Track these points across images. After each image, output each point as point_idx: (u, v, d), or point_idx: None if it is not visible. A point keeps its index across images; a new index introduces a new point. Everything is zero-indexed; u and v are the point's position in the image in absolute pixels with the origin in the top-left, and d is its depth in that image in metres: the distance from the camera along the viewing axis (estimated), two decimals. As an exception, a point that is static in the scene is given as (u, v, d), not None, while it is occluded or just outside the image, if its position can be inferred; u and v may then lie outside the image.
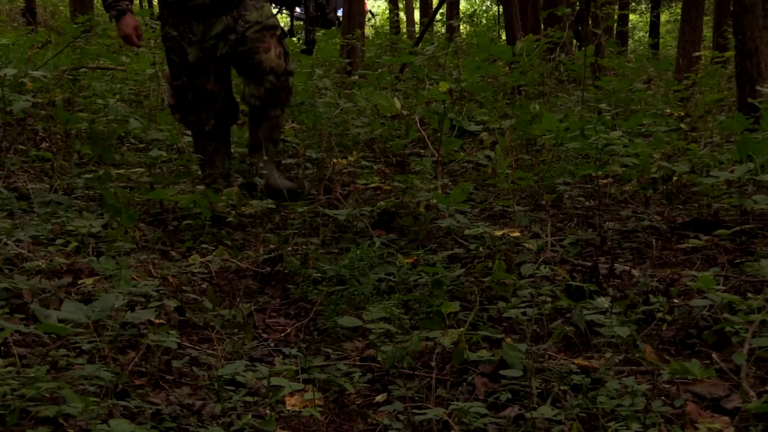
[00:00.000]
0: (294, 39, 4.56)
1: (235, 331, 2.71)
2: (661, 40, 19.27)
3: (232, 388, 2.22)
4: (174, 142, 4.81)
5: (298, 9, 4.30)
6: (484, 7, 26.97)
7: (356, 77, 7.48)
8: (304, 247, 3.41)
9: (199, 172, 4.60)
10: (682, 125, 5.45)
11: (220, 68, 4.13)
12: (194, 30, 4.04)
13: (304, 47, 4.33)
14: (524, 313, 2.51)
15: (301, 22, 4.53)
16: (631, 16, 22.94)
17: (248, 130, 4.26)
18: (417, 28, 16.23)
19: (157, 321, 2.55)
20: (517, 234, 3.33)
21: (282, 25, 4.20)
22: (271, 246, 3.47)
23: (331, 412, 2.23)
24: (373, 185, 4.34)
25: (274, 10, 4.46)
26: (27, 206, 3.71)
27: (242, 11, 4.05)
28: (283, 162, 4.76)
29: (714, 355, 2.36)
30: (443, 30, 14.44)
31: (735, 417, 2.06)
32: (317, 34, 4.75)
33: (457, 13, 19.56)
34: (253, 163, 4.16)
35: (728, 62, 7.96)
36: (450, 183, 4.49)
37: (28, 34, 10.40)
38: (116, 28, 4.09)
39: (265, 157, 4.16)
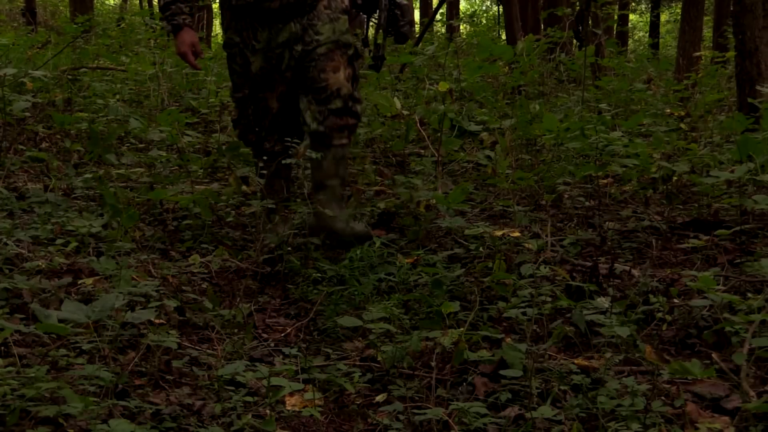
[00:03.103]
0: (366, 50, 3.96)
1: (235, 331, 2.71)
2: (661, 40, 19.28)
3: (232, 388, 2.22)
4: (174, 142, 4.81)
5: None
6: (484, 7, 26.98)
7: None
8: (304, 247, 3.41)
9: (200, 172, 4.60)
10: (682, 125, 5.45)
11: (284, 83, 3.63)
12: (259, 37, 3.56)
13: (371, 62, 3.78)
14: (524, 313, 2.51)
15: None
16: (631, 16, 22.95)
17: (310, 166, 3.65)
18: (417, 28, 16.23)
19: (157, 321, 2.55)
20: (517, 234, 3.33)
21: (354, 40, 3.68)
22: (272, 245, 3.47)
23: (331, 412, 2.23)
24: (375, 188, 4.34)
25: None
26: (27, 206, 3.71)
27: (314, 20, 3.54)
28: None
29: (714, 355, 2.36)
30: (443, 30, 14.44)
31: (735, 417, 2.05)
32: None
33: (457, 13, 19.57)
34: (318, 203, 3.53)
35: (728, 62, 7.96)
36: (450, 183, 4.49)
37: (28, 34, 10.40)
38: (173, 44, 3.69)
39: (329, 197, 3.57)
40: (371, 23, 3.81)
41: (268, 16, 3.52)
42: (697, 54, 8.86)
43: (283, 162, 3.52)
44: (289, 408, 2.18)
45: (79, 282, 2.81)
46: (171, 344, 2.30)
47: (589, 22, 6.80)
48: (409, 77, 7.43)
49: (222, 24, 3.75)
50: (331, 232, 3.48)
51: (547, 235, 3.49)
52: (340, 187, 3.59)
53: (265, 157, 3.69)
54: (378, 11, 3.62)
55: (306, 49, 3.52)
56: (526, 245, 3.32)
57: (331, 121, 3.50)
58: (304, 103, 3.56)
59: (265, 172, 3.66)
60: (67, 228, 3.29)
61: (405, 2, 3.66)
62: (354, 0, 3.69)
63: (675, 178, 4.33)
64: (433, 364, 2.35)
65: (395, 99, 5.14)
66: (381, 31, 3.62)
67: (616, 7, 13.37)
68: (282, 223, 3.60)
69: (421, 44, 8.88)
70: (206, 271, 3.22)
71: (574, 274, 3.06)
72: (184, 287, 2.96)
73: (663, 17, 21.69)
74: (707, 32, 14.29)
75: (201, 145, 5.27)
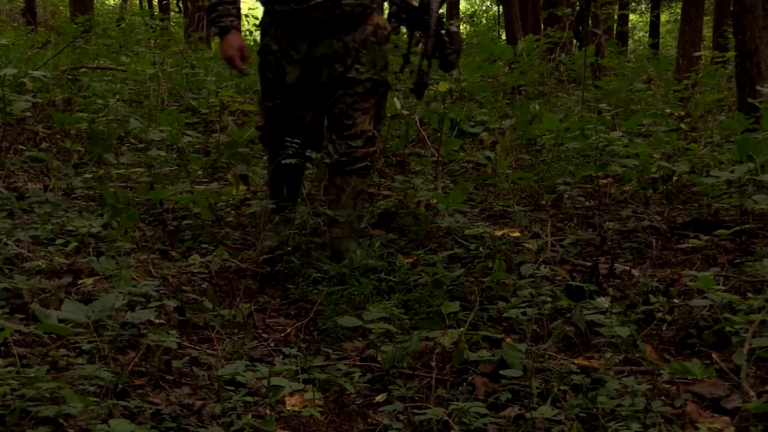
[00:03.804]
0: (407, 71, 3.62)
1: (235, 331, 2.71)
2: (661, 40, 19.28)
3: (232, 388, 2.21)
4: (174, 142, 4.81)
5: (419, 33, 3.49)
6: (484, 7, 26.98)
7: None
8: (304, 247, 3.41)
9: (199, 172, 4.60)
10: (682, 125, 5.46)
11: (317, 98, 3.44)
12: (298, 47, 3.36)
13: (412, 87, 3.53)
14: (524, 313, 2.51)
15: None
16: (631, 16, 22.95)
17: (327, 198, 3.55)
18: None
19: (157, 321, 2.55)
20: (517, 234, 3.33)
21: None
22: (272, 245, 3.47)
23: (331, 412, 2.23)
24: (374, 191, 4.34)
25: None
26: (27, 206, 3.71)
27: (358, 44, 3.36)
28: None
29: (714, 355, 2.36)
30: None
31: (735, 417, 2.05)
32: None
33: (457, 13, 19.57)
34: (334, 238, 3.43)
35: (728, 62, 7.96)
36: (450, 183, 4.49)
37: (28, 34, 10.40)
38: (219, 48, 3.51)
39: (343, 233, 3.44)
40: (415, 39, 3.55)
41: (312, 27, 3.33)
42: (697, 54, 8.87)
43: (283, 162, 3.40)
44: (289, 408, 2.18)
45: (79, 282, 2.81)
46: (171, 344, 2.30)
47: (589, 22, 6.81)
48: (409, 77, 7.43)
49: (260, 26, 3.54)
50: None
51: (547, 235, 3.49)
52: (357, 222, 3.48)
53: (283, 164, 3.48)
54: (426, 36, 3.37)
55: (344, 77, 3.36)
56: (526, 245, 3.32)
57: (348, 155, 3.39)
58: (327, 132, 3.49)
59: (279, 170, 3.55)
60: (67, 228, 3.29)
61: (455, 29, 3.41)
62: (399, 15, 3.48)
63: (675, 178, 4.33)
64: (433, 364, 2.35)
65: (395, 99, 5.14)
66: (426, 57, 3.39)
67: (616, 7, 13.37)
68: (283, 224, 3.51)
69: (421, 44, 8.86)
70: (206, 271, 3.22)
71: (574, 274, 3.06)
72: (184, 287, 2.96)
73: (663, 17, 21.69)
74: (707, 32, 14.30)
75: (201, 145, 5.27)
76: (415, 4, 3.40)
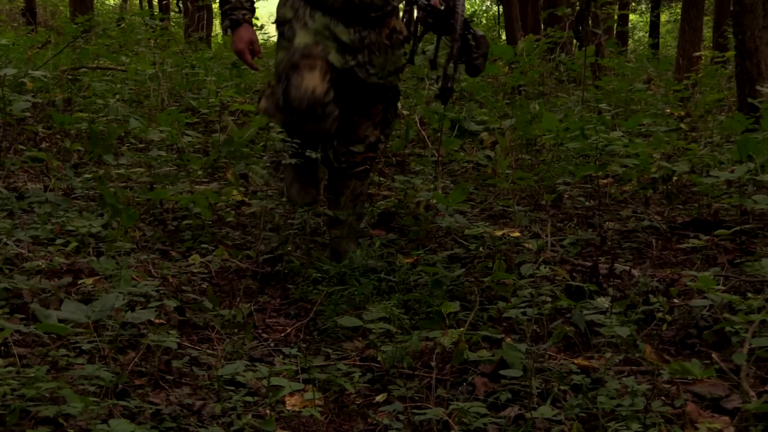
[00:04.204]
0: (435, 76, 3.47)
1: (235, 331, 2.71)
2: (661, 40, 19.28)
3: (232, 388, 2.22)
4: (174, 142, 4.81)
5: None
6: (484, 7, 26.98)
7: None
8: (304, 246, 3.41)
9: (199, 172, 4.60)
10: (682, 125, 5.46)
11: (328, 69, 3.23)
12: (315, 18, 3.23)
13: (438, 92, 3.42)
14: (524, 313, 2.51)
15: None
16: (631, 16, 22.96)
17: (327, 197, 3.53)
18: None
19: (157, 321, 2.55)
20: (517, 234, 3.33)
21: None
22: (272, 245, 3.46)
23: (331, 412, 2.23)
24: (374, 191, 4.34)
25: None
26: (27, 206, 3.71)
27: (372, 45, 3.27)
28: (283, 162, 4.74)
29: (714, 355, 2.36)
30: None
31: (735, 417, 2.06)
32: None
33: (457, 13, 19.51)
34: (333, 238, 3.46)
35: (728, 62, 7.96)
36: (450, 183, 4.49)
37: (28, 34, 10.40)
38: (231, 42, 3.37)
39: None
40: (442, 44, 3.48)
41: (329, 11, 3.23)
42: (697, 54, 8.86)
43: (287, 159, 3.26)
44: (289, 408, 2.18)
45: (79, 282, 2.81)
46: (171, 344, 2.30)
47: (589, 22, 6.81)
48: (409, 77, 7.43)
49: (279, 3, 3.39)
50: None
51: (547, 235, 3.49)
52: (356, 223, 3.47)
53: (298, 141, 3.28)
54: (452, 40, 3.28)
55: (353, 73, 3.25)
56: (526, 245, 3.32)
57: (350, 161, 3.38)
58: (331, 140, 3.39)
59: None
60: (67, 228, 3.29)
61: (481, 33, 3.30)
62: (426, 19, 3.39)
63: (675, 178, 4.33)
64: (433, 364, 2.35)
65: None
66: (452, 61, 3.29)
67: (616, 7, 13.38)
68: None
69: (421, 44, 8.88)
70: (206, 271, 3.22)
71: (574, 274, 3.06)
72: (184, 287, 2.96)
73: (663, 17, 21.70)
74: (707, 32, 14.30)
75: (201, 145, 5.27)
76: (441, 8, 3.32)
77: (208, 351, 2.52)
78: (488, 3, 26.26)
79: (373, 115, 3.37)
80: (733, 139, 4.54)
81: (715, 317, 2.54)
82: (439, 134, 4.63)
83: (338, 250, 3.39)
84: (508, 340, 2.46)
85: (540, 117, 5.04)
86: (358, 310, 2.81)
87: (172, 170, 4.50)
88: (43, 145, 4.95)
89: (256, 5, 3.38)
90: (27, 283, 2.62)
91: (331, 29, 3.22)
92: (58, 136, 5.06)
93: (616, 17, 12.39)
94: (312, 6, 3.23)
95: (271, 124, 4.57)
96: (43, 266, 2.87)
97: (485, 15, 25.59)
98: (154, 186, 4.05)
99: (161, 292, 2.71)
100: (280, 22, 3.31)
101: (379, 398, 2.29)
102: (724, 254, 3.31)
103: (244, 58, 3.29)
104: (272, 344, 2.67)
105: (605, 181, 4.43)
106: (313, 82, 3.11)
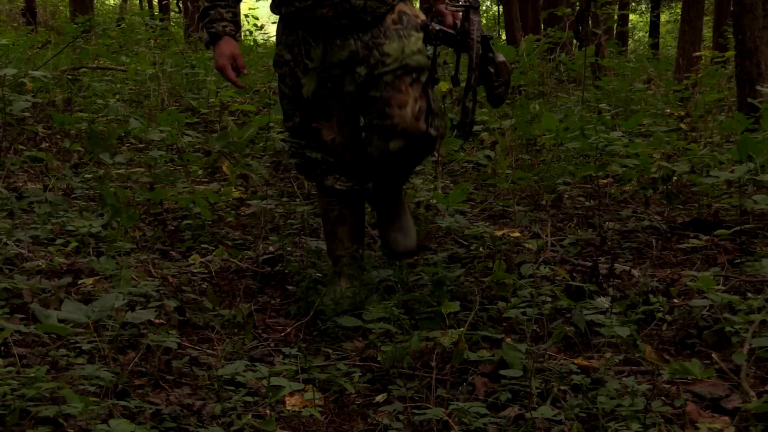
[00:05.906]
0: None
1: (235, 331, 2.71)
2: (661, 40, 19.29)
3: (232, 388, 2.21)
4: (174, 142, 4.81)
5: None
6: (484, 7, 26.97)
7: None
8: (304, 246, 3.41)
9: (199, 172, 4.60)
10: (682, 125, 5.45)
11: (344, 110, 2.98)
12: (312, 54, 2.91)
13: (456, 126, 3.06)
14: (524, 313, 2.51)
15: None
16: (631, 16, 22.95)
17: (372, 198, 3.21)
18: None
19: (157, 321, 2.55)
20: (517, 234, 3.33)
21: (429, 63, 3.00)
22: (271, 248, 3.46)
23: (331, 412, 2.23)
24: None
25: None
26: (27, 206, 3.71)
27: (379, 38, 2.88)
28: (283, 162, 4.75)
29: (714, 355, 2.36)
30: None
31: (735, 417, 2.06)
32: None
33: (457, 13, 19.51)
34: (385, 236, 3.19)
35: (728, 62, 7.96)
36: (450, 183, 4.49)
37: (28, 34, 10.40)
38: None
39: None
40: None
41: (322, 28, 2.88)
42: (697, 54, 8.86)
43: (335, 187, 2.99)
44: (289, 408, 2.18)
45: (79, 282, 2.81)
46: (171, 344, 2.30)
47: (589, 22, 6.81)
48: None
49: (276, 38, 3.12)
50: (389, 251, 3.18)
51: (547, 235, 3.49)
52: (405, 217, 3.18)
53: (328, 199, 3.07)
54: (468, 69, 2.96)
55: (370, 74, 2.88)
56: (526, 245, 3.32)
57: (391, 157, 2.94)
58: (366, 134, 3.00)
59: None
60: (67, 228, 3.29)
61: (501, 59, 2.96)
62: (436, 36, 2.99)
63: (675, 178, 4.33)
64: (433, 364, 2.35)
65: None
66: (470, 92, 2.99)
67: (616, 7, 13.37)
68: (346, 280, 3.02)
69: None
70: (206, 271, 3.22)
71: (574, 274, 3.06)
72: (184, 287, 2.96)
73: (663, 17, 21.70)
74: (707, 32, 14.31)
75: (201, 145, 5.27)
76: (452, 32, 2.98)
77: (208, 351, 2.52)
78: (488, 3, 26.24)
79: (405, 100, 2.90)
80: (733, 139, 4.54)
81: (715, 317, 2.54)
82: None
83: (394, 251, 3.14)
84: (508, 340, 2.46)
85: (540, 117, 5.04)
86: (358, 310, 2.81)
87: (173, 170, 4.51)
88: (43, 145, 4.95)
89: (243, 16, 3.22)
90: (27, 283, 2.62)
91: (332, 54, 2.91)
92: (58, 136, 5.07)
93: (616, 17, 12.38)
94: (304, 34, 2.93)
95: (272, 124, 4.57)
96: (43, 266, 2.87)
97: (485, 15, 25.57)
98: (154, 186, 4.05)
99: (161, 292, 2.71)
100: (278, 63, 3.03)
101: (379, 398, 2.29)
102: (724, 254, 3.31)
103: (226, 75, 2.98)
104: (272, 344, 2.67)
105: (605, 181, 4.43)
106: (327, 135, 2.99)
